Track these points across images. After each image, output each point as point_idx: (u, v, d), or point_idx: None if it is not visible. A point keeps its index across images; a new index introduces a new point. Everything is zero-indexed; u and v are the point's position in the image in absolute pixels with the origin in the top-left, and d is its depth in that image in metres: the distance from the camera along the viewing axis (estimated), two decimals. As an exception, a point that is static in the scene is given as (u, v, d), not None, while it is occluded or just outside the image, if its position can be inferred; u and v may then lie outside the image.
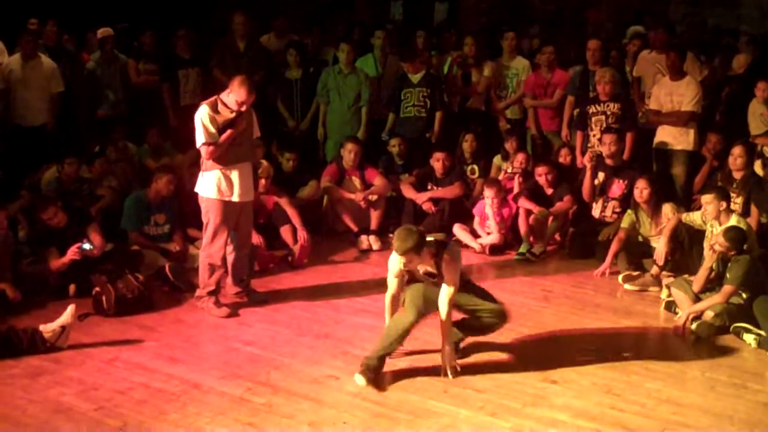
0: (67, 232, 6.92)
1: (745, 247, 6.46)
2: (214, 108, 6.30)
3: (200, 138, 6.29)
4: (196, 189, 6.49)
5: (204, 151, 6.32)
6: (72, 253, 6.66)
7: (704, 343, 6.20)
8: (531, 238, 8.30)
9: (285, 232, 8.09)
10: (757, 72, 9.30)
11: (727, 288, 6.34)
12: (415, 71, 9.47)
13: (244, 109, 6.35)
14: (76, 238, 6.82)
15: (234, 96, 6.27)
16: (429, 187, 8.87)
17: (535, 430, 4.88)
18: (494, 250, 8.35)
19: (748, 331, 6.18)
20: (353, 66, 9.55)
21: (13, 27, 9.25)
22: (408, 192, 8.85)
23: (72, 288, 6.71)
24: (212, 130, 6.24)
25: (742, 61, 9.94)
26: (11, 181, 8.21)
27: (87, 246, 6.73)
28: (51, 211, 6.89)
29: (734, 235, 6.44)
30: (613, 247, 7.70)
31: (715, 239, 6.58)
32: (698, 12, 13.18)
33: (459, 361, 5.55)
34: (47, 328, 5.69)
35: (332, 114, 9.63)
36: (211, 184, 6.37)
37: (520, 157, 8.95)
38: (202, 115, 6.27)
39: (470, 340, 5.91)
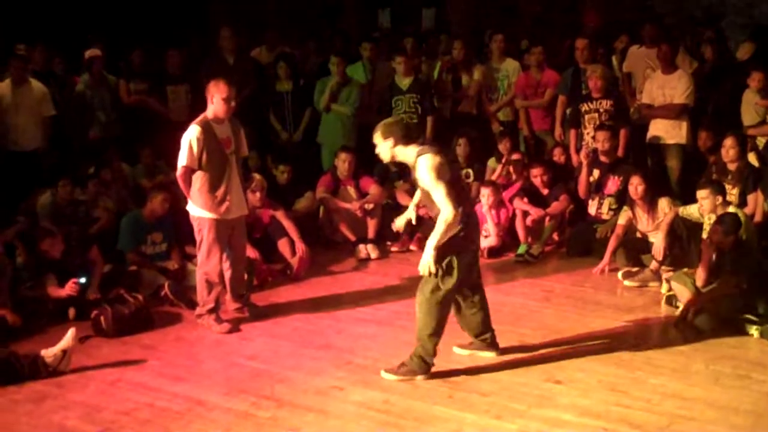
0: (65, 260, 6.94)
1: (741, 234, 6.47)
2: (206, 128, 6.29)
3: (182, 159, 6.28)
4: (188, 207, 6.49)
5: (179, 171, 6.32)
6: (70, 288, 6.65)
7: (707, 335, 6.19)
8: (529, 239, 8.30)
9: (282, 245, 8.08)
10: (753, 62, 9.31)
11: (728, 279, 6.34)
12: (404, 75, 9.46)
13: (233, 105, 6.34)
14: (73, 265, 6.86)
15: (218, 96, 6.26)
16: (424, 193, 8.86)
17: (542, 430, 4.86)
18: (492, 252, 8.36)
19: (751, 321, 6.18)
20: (345, 76, 9.56)
21: (1, 53, 9.24)
22: (404, 199, 8.84)
23: (71, 312, 6.69)
24: (195, 154, 6.24)
25: (747, 49, 9.91)
26: (6, 206, 8.19)
27: (83, 280, 6.74)
28: (47, 243, 6.90)
29: (728, 220, 6.47)
30: (611, 244, 7.71)
31: (711, 229, 6.59)
32: (685, 4, 13.20)
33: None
34: (48, 353, 5.68)
35: (326, 124, 9.65)
36: (202, 202, 6.37)
37: (515, 154, 8.98)
38: (191, 137, 6.26)
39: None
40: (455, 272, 5.37)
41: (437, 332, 5.47)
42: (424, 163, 5.27)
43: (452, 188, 5.28)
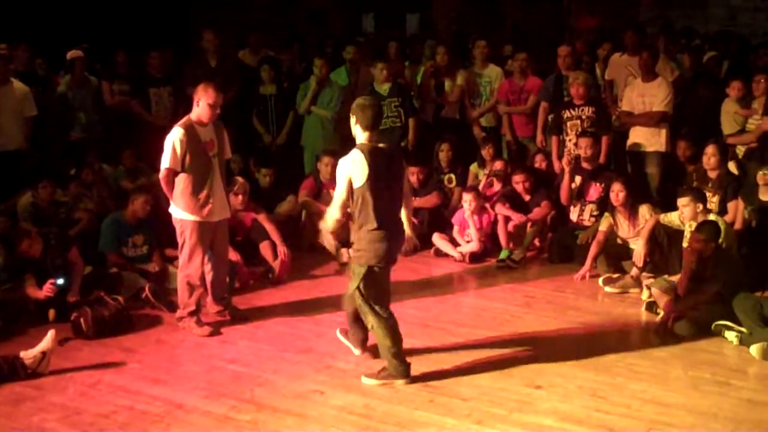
0: (44, 260, 6.90)
1: (721, 242, 6.51)
2: (189, 130, 6.27)
3: (165, 161, 6.25)
4: (170, 210, 6.47)
5: (163, 173, 6.30)
6: (47, 290, 6.60)
7: (687, 342, 6.22)
8: (510, 245, 8.32)
9: (264, 248, 8.06)
10: (731, 72, 9.37)
11: (708, 287, 6.38)
12: (383, 81, 9.46)
13: (218, 111, 6.33)
14: (53, 265, 6.82)
15: (204, 101, 6.25)
16: (407, 198, 8.86)
17: (522, 436, 4.89)
18: (474, 257, 8.37)
19: (730, 328, 6.21)
20: (328, 79, 9.56)
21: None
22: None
23: (51, 313, 6.65)
24: (179, 156, 6.22)
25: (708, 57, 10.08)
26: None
27: (61, 281, 6.70)
28: (26, 244, 6.86)
29: (707, 228, 6.51)
30: (592, 250, 7.74)
31: (691, 237, 6.63)
32: (667, 14, 13.31)
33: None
34: (28, 355, 5.65)
35: (308, 127, 9.65)
36: (184, 205, 6.35)
37: (498, 164, 9.00)
38: (175, 138, 6.23)
39: (455, 348, 5.94)
40: (376, 281, 5.47)
41: (393, 338, 5.50)
42: (350, 155, 5.39)
43: (370, 199, 5.46)
